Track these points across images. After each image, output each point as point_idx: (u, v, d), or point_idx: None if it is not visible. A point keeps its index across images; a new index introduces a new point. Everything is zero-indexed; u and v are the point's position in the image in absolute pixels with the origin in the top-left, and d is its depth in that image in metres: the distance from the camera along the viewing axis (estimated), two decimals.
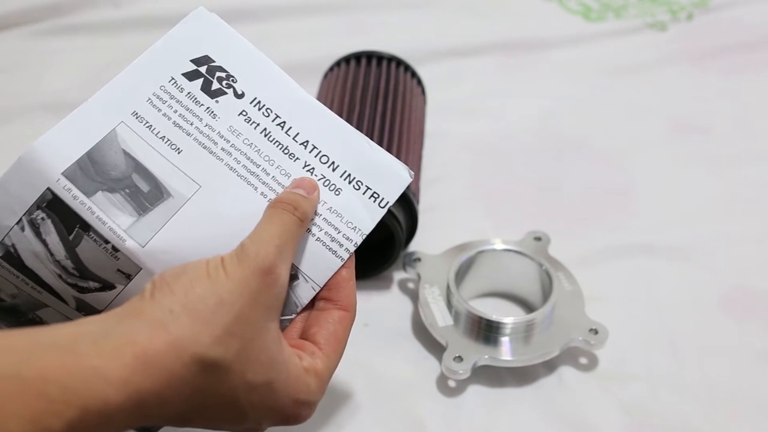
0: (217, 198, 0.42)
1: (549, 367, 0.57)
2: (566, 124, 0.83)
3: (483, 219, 0.71)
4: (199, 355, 0.34)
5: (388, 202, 0.45)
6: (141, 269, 0.40)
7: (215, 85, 0.45)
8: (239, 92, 0.45)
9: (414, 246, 0.64)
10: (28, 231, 0.41)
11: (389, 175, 0.45)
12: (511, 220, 0.70)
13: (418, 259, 0.62)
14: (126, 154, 0.42)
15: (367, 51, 0.74)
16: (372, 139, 0.64)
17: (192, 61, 0.45)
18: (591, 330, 0.56)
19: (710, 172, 0.76)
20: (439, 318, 0.57)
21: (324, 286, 0.43)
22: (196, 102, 0.44)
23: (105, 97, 0.44)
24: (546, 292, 0.59)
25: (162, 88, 0.44)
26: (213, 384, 0.35)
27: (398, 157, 0.64)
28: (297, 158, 0.44)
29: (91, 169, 0.41)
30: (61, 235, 0.40)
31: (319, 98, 0.73)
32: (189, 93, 0.44)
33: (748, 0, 1.01)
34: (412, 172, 0.46)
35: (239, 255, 0.38)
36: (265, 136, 0.45)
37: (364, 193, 0.45)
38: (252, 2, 1.00)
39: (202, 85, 0.45)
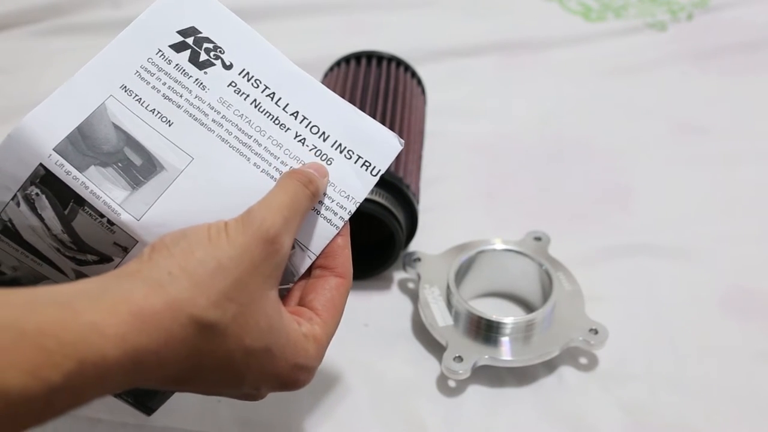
0: (210, 170, 0.43)
1: (549, 367, 0.57)
2: (566, 124, 0.83)
3: (483, 219, 0.71)
4: (195, 317, 0.34)
5: (379, 170, 0.45)
6: (137, 242, 0.41)
7: (203, 57, 0.45)
8: (227, 63, 0.45)
9: (414, 246, 0.64)
10: (23, 206, 0.41)
11: (380, 144, 0.46)
12: (511, 220, 0.70)
13: (418, 259, 0.62)
14: (117, 127, 0.42)
15: (367, 51, 0.74)
16: None
17: (178, 32, 0.45)
18: (591, 330, 0.56)
19: (710, 172, 0.76)
20: (439, 318, 0.57)
21: (320, 254, 0.43)
22: (185, 74, 0.44)
23: (93, 71, 0.44)
24: (546, 292, 0.59)
25: (150, 60, 0.44)
26: (210, 346, 0.35)
27: (398, 156, 0.64)
28: (288, 129, 0.45)
29: (83, 144, 0.41)
30: (56, 209, 0.41)
31: None
32: (177, 65, 0.44)
33: (748, 0, 1.01)
34: (402, 140, 0.46)
35: (244, 220, 0.38)
36: (255, 107, 0.45)
37: (355, 162, 0.45)
38: (252, 2, 1.00)
39: (189, 57, 0.45)
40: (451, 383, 0.56)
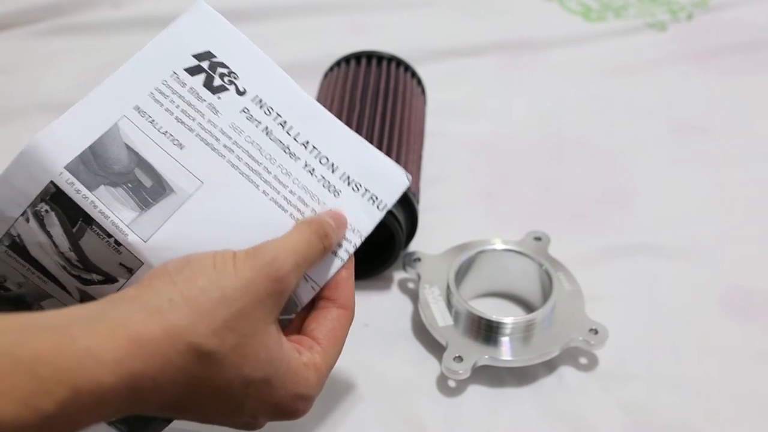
0: (219, 195, 0.42)
1: (549, 367, 0.57)
2: (566, 124, 0.83)
3: (483, 219, 0.71)
4: (194, 344, 0.34)
5: (386, 205, 0.45)
6: (143, 264, 0.41)
7: (217, 81, 0.45)
8: (241, 89, 0.45)
9: (414, 246, 0.64)
10: (32, 222, 0.41)
11: (388, 179, 0.46)
12: (511, 220, 0.70)
13: (418, 259, 0.62)
14: (128, 148, 0.42)
15: (367, 51, 0.74)
16: (372, 139, 0.64)
17: (194, 56, 0.45)
18: (591, 330, 0.56)
19: (710, 172, 0.76)
20: (439, 318, 0.57)
21: (324, 285, 0.43)
22: (198, 97, 0.44)
23: (107, 91, 0.44)
24: (546, 292, 0.59)
25: (164, 82, 0.44)
26: (208, 374, 0.35)
27: (398, 157, 0.64)
28: (298, 158, 0.45)
29: (94, 163, 0.41)
30: (64, 227, 0.40)
31: (319, 98, 0.73)
32: (191, 88, 0.44)
33: (748, 0, 1.01)
34: (410, 176, 0.46)
35: (255, 254, 0.38)
36: (267, 134, 0.44)
37: (363, 195, 0.45)
38: (252, 2, 1.00)
39: (204, 81, 0.45)
40: (451, 383, 0.56)
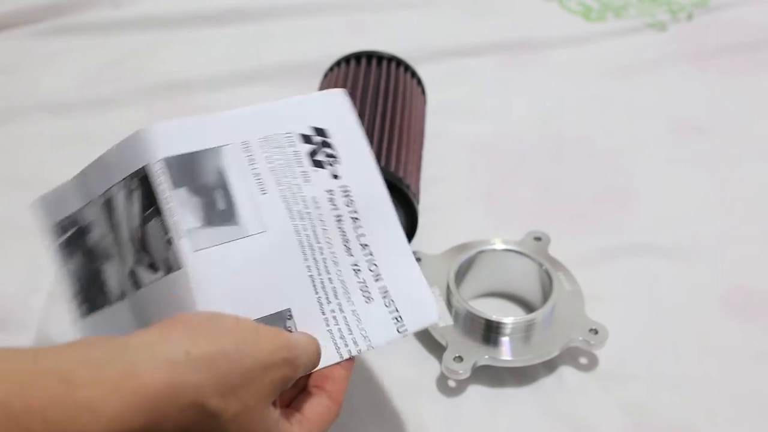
0: (273, 248, 0.44)
1: (549, 367, 0.57)
2: (566, 124, 0.83)
3: (483, 219, 0.71)
4: (199, 402, 0.34)
5: (407, 331, 0.46)
6: (180, 269, 0.42)
7: (319, 157, 0.47)
8: (335, 174, 0.47)
9: (414, 246, 0.64)
10: (123, 192, 0.44)
11: (419, 309, 0.46)
12: (511, 220, 0.70)
13: (418, 259, 0.62)
14: (219, 171, 0.45)
15: (367, 51, 0.74)
16: (372, 139, 0.64)
17: (312, 127, 0.48)
18: (591, 330, 0.56)
19: (710, 172, 0.76)
20: (439, 318, 0.57)
21: (317, 371, 0.43)
22: (298, 162, 0.47)
23: (225, 119, 0.47)
24: (546, 292, 0.59)
25: (277, 134, 0.47)
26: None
27: (398, 157, 0.64)
28: (351, 255, 0.46)
29: (187, 168, 0.44)
30: (141, 207, 0.44)
31: None
32: (296, 151, 0.47)
33: (748, 0, 1.01)
34: (439, 317, 0.48)
35: (277, 334, 0.39)
36: (337, 221, 0.46)
37: (390, 313, 0.46)
38: (252, 2, 1.00)
39: (309, 151, 0.47)
40: (451, 383, 0.56)
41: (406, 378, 0.57)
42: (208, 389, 0.34)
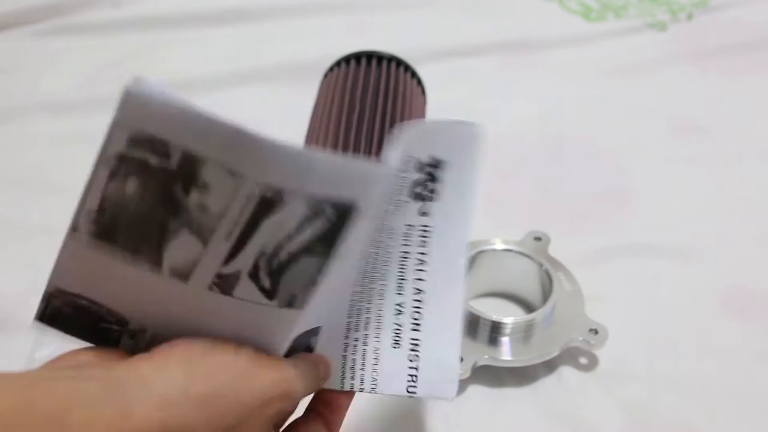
0: (337, 270, 0.40)
1: (549, 367, 0.57)
2: (566, 124, 0.83)
3: (483, 219, 0.70)
4: None
5: (415, 394, 0.42)
6: (300, 310, 0.38)
7: (419, 190, 0.43)
8: (425, 212, 0.43)
9: None
10: (307, 206, 0.35)
11: (440, 380, 0.43)
12: (511, 220, 0.70)
13: None
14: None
15: (367, 51, 0.74)
16: (372, 139, 0.64)
17: (430, 156, 0.43)
18: (591, 330, 0.56)
19: (710, 172, 0.76)
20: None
21: (324, 393, 0.42)
22: (400, 189, 0.42)
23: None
24: (546, 292, 0.59)
25: (401, 156, 0.41)
26: None
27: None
28: (401, 294, 0.43)
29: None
30: (314, 238, 0.35)
31: (319, 98, 0.73)
32: (404, 177, 0.42)
33: (748, 0, 1.01)
34: (456, 393, 0.43)
35: (277, 365, 0.37)
36: (402, 258, 0.43)
37: (410, 369, 0.43)
38: (252, 2, 1.00)
39: (414, 180, 0.42)
40: None
41: None
42: (204, 430, 0.33)
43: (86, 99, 0.84)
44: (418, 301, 0.43)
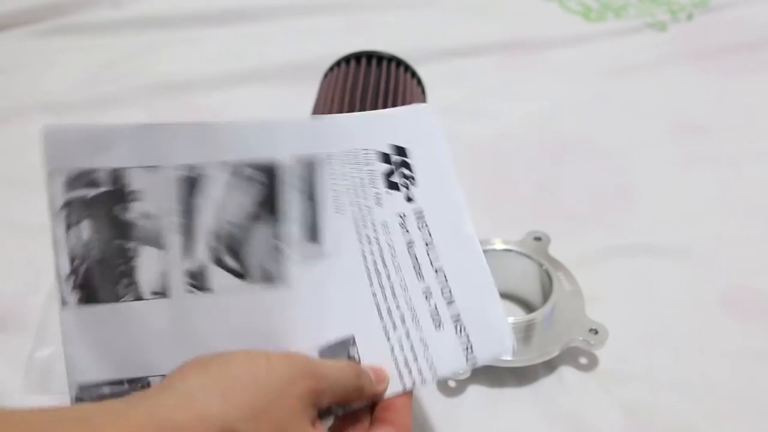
0: (340, 272, 0.42)
1: (549, 367, 0.57)
2: (566, 124, 0.83)
3: (483, 219, 0.71)
4: (228, 428, 0.32)
5: (476, 362, 0.43)
6: (284, 283, 0.40)
7: (395, 178, 0.45)
8: (410, 197, 0.45)
9: None
10: (229, 178, 0.39)
11: (493, 337, 0.43)
12: (511, 220, 0.70)
13: None
14: (315, 183, 0.43)
15: (367, 51, 0.74)
16: None
17: (392, 145, 0.46)
18: (591, 330, 0.56)
19: (710, 172, 0.76)
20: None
21: (380, 405, 0.42)
22: (373, 182, 0.45)
23: (329, 124, 0.44)
24: (546, 292, 0.59)
25: (356, 150, 0.44)
26: None
27: None
28: (422, 279, 0.44)
29: (304, 173, 0.41)
30: (249, 202, 0.39)
31: (318, 98, 0.73)
32: (371, 170, 0.45)
33: (749, 0, 1.01)
34: (515, 347, 0.44)
35: (289, 355, 0.37)
36: (408, 247, 0.44)
37: (460, 340, 0.43)
38: (252, 2, 1.00)
39: (386, 171, 0.45)
40: (451, 383, 0.56)
41: None
42: (232, 415, 0.33)
43: (86, 99, 0.84)
44: (443, 279, 0.44)
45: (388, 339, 0.42)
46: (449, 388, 0.56)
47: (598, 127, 0.82)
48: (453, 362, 0.42)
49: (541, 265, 0.60)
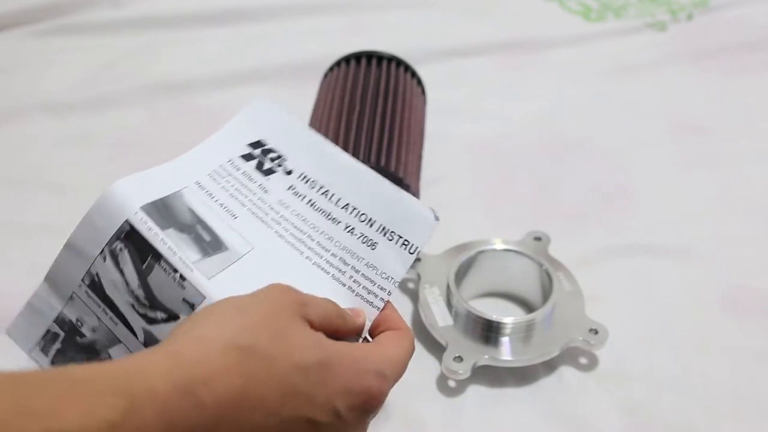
0: (268, 259, 0.46)
1: (549, 367, 0.57)
2: (566, 124, 0.83)
3: (483, 219, 0.71)
4: (230, 341, 0.35)
5: (417, 248, 0.47)
6: (205, 298, 0.43)
7: (267, 165, 0.51)
8: (288, 170, 0.50)
9: None
10: (108, 261, 0.44)
11: (417, 221, 0.48)
12: (511, 220, 0.70)
13: (418, 259, 0.62)
14: (191, 210, 0.47)
15: (367, 51, 0.74)
16: (372, 139, 0.64)
17: (248, 144, 0.51)
18: (591, 330, 0.56)
19: (710, 172, 0.76)
20: (439, 318, 0.57)
21: (369, 330, 0.45)
22: (251, 179, 0.50)
23: (174, 166, 0.49)
24: (546, 292, 0.59)
25: (221, 166, 0.50)
26: (263, 370, 0.36)
27: (398, 157, 0.64)
28: (339, 222, 0.48)
29: (164, 211, 0.45)
30: (135, 265, 0.44)
31: (318, 98, 0.73)
32: (244, 172, 0.50)
33: (748, 0, 1.01)
34: (438, 215, 0.48)
35: (269, 285, 0.40)
36: (311, 206, 0.49)
37: (396, 243, 0.48)
38: (252, 2, 1.00)
39: (256, 165, 0.50)
40: (451, 383, 0.56)
41: (406, 378, 0.56)
42: (228, 333, 0.36)
43: (86, 99, 0.84)
44: (353, 209, 0.49)
45: (343, 284, 0.46)
46: (449, 388, 0.56)
47: (598, 127, 0.82)
48: (401, 263, 0.47)
49: (541, 265, 0.60)
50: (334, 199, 0.49)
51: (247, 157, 0.51)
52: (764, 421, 0.54)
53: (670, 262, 0.66)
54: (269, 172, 0.50)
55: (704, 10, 1.01)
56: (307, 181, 0.50)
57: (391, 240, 0.48)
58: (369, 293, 0.46)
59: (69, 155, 0.77)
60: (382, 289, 0.46)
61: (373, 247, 0.48)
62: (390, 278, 0.47)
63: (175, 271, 0.43)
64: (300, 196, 0.50)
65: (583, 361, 0.58)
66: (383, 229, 0.48)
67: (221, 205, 0.48)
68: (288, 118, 0.53)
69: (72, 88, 0.87)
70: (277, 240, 0.47)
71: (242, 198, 0.49)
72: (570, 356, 0.58)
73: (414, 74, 0.76)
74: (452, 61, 0.91)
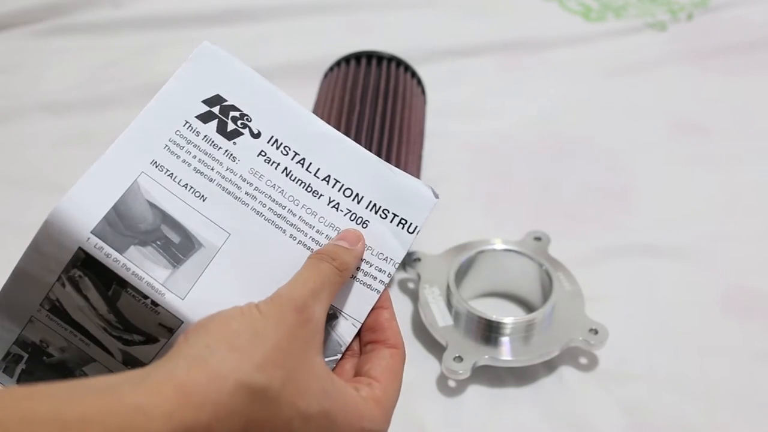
0: (248, 244, 0.42)
1: (549, 367, 0.57)
2: (566, 124, 0.83)
3: (483, 219, 0.71)
4: (243, 382, 0.33)
5: (417, 227, 0.44)
6: (183, 322, 0.39)
7: (231, 126, 0.43)
8: (255, 132, 0.44)
9: (414, 246, 0.64)
10: (69, 287, 0.40)
11: (414, 198, 0.44)
12: (511, 220, 0.70)
13: (418, 259, 0.62)
14: (152, 205, 0.41)
15: (367, 51, 0.74)
16: (372, 139, 0.64)
17: (204, 101, 0.44)
18: (591, 330, 0.56)
19: (710, 172, 0.76)
20: (439, 318, 0.57)
21: (365, 324, 0.42)
22: (214, 145, 0.43)
23: (122, 147, 0.42)
24: (546, 292, 0.59)
25: (177, 132, 0.43)
26: (265, 414, 0.34)
27: (398, 157, 0.64)
28: (321, 195, 0.43)
29: (120, 224, 0.40)
30: (100, 291, 0.39)
31: (318, 99, 0.73)
32: (205, 136, 0.43)
33: (748, 0, 1.01)
34: (438, 192, 0.45)
35: (273, 298, 0.38)
36: (287, 175, 0.43)
37: (391, 221, 0.44)
38: (252, 2, 1.00)
39: (217, 127, 0.43)
40: (451, 383, 0.56)
41: (406, 378, 0.56)
42: (244, 368, 0.34)
43: (86, 99, 0.84)
44: (336, 182, 0.44)
45: None
46: (449, 388, 0.56)
47: (598, 127, 0.82)
48: (399, 243, 0.43)
49: (541, 265, 0.60)
50: (312, 169, 0.44)
51: (206, 117, 0.43)
52: (764, 421, 0.54)
53: (670, 262, 0.66)
54: (234, 134, 0.43)
55: (704, 10, 1.01)
56: (279, 147, 0.44)
57: (384, 218, 0.43)
58: (366, 275, 0.42)
59: (69, 155, 0.77)
60: (380, 270, 0.42)
61: (365, 225, 0.43)
62: (388, 259, 0.43)
63: (145, 297, 0.39)
64: (273, 163, 0.43)
65: (583, 361, 0.58)
66: (374, 206, 0.44)
67: (186, 185, 0.41)
68: (247, 70, 0.45)
69: (72, 88, 0.87)
70: (254, 218, 0.42)
71: (208, 171, 0.42)
72: (570, 356, 0.58)
73: (414, 74, 0.76)
74: (452, 61, 0.91)
